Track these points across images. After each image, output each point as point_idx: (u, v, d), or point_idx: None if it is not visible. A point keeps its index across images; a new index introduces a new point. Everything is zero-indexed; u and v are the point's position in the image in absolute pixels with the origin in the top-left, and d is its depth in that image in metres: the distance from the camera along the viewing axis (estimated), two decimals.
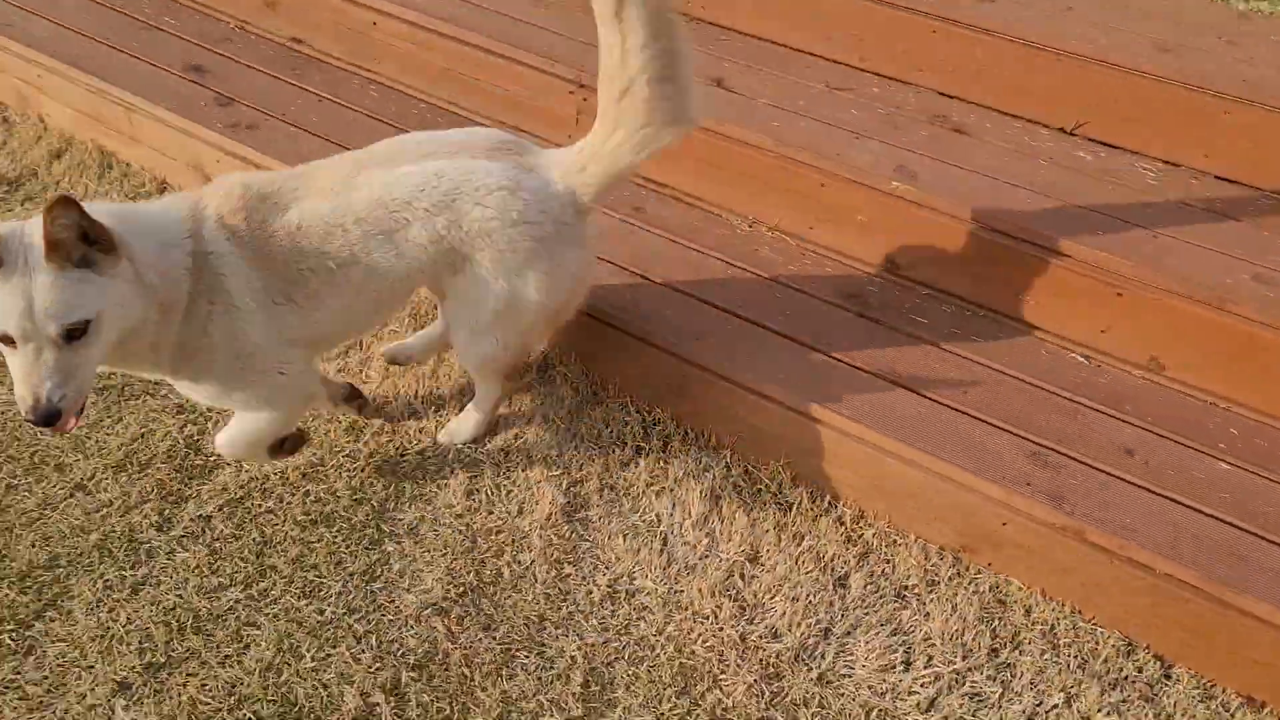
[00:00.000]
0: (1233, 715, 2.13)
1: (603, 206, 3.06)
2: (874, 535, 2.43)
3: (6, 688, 2.04)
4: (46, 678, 2.07)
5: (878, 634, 2.23)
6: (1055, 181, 2.85)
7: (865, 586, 2.32)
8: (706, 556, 2.38)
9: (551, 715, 2.06)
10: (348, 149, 3.17)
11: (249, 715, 2.03)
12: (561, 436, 2.64)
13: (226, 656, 2.13)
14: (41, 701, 2.02)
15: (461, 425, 2.62)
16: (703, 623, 2.25)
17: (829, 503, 2.49)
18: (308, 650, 2.15)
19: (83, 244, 1.77)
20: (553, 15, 3.52)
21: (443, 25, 3.39)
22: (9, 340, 1.76)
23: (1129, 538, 2.15)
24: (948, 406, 2.44)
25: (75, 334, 1.79)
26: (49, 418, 1.77)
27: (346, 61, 3.68)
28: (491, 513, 2.47)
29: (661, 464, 2.58)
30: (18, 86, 3.65)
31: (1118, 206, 2.77)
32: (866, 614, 2.27)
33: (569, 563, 2.36)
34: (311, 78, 3.59)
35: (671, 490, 2.52)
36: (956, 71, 3.21)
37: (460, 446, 2.61)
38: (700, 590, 2.31)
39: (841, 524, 2.45)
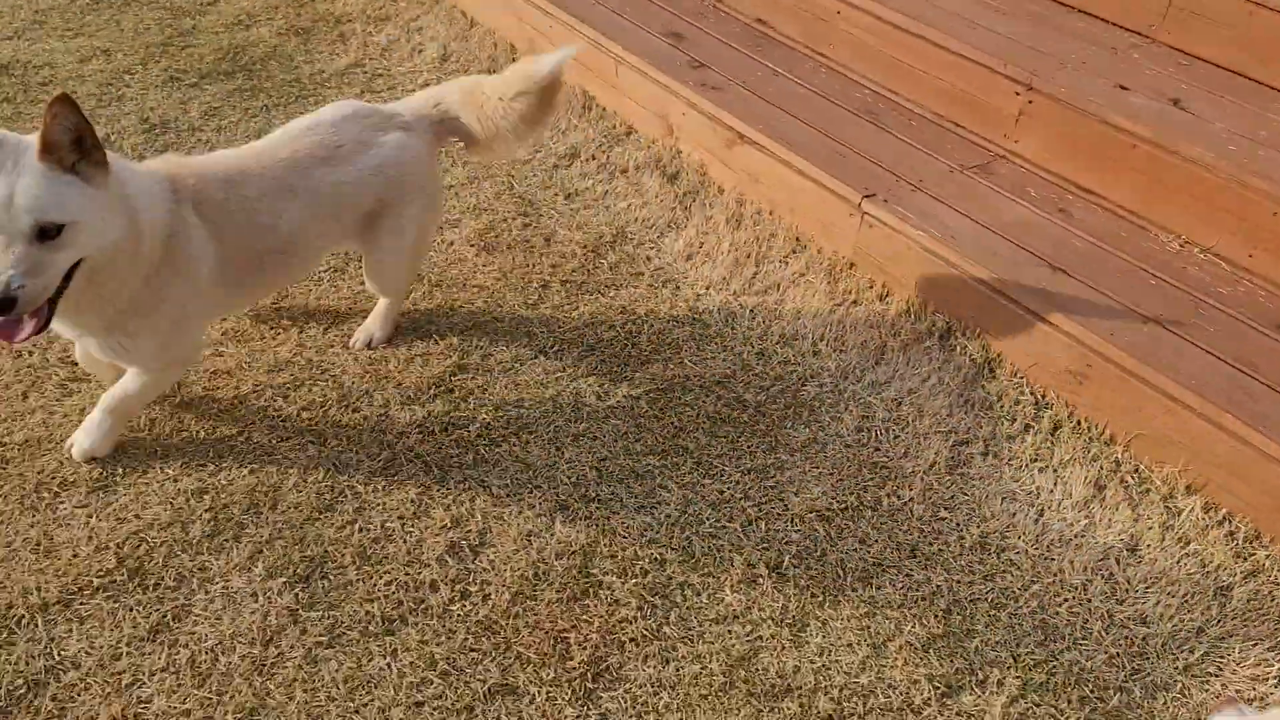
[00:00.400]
0: None
1: (963, 195, 3.19)
2: (1267, 557, 2.39)
3: (481, 485, 2.56)
4: (506, 486, 2.57)
5: (1255, 647, 2.21)
6: None
7: (1248, 601, 2.30)
8: (1082, 535, 2.46)
9: (914, 625, 2.26)
10: (796, 118, 3.54)
11: (656, 555, 2.40)
12: (953, 400, 2.81)
13: (641, 505, 2.53)
14: (502, 501, 2.52)
15: (375, 327, 2.93)
16: (1070, 591, 2.34)
17: (1224, 516, 2.47)
18: (706, 519, 2.50)
19: (76, 150, 1.90)
20: (1008, 21, 3.67)
21: (902, 19, 3.65)
22: None
23: None
24: None
25: (48, 234, 1.87)
26: (3, 305, 1.84)
27: (802, 44, 4.05)
28: (878, 449, 2.69)
29: (1048, 444, 2.68)
30: (530, 34, 4.37)
31: None
32: (1245, 626, 2.25)
33: (945, 508, 2.54)
34: (770, 54, 4.00)
35: (1055, 470, 2.62)
36: None
37: (375, 349, 2.93)
38: (1072, 563, 2.40)
39: (1233, 539, 2.43)
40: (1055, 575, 2.38)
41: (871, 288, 3.17)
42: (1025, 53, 3.46)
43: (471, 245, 3.36)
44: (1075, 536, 2.46)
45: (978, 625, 2.27)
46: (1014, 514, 2.52)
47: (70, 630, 2.15)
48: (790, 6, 4.07)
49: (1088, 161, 3.22)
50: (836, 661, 2.19)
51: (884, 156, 3.38)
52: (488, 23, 4.60)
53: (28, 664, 2.09)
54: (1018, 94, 3.35)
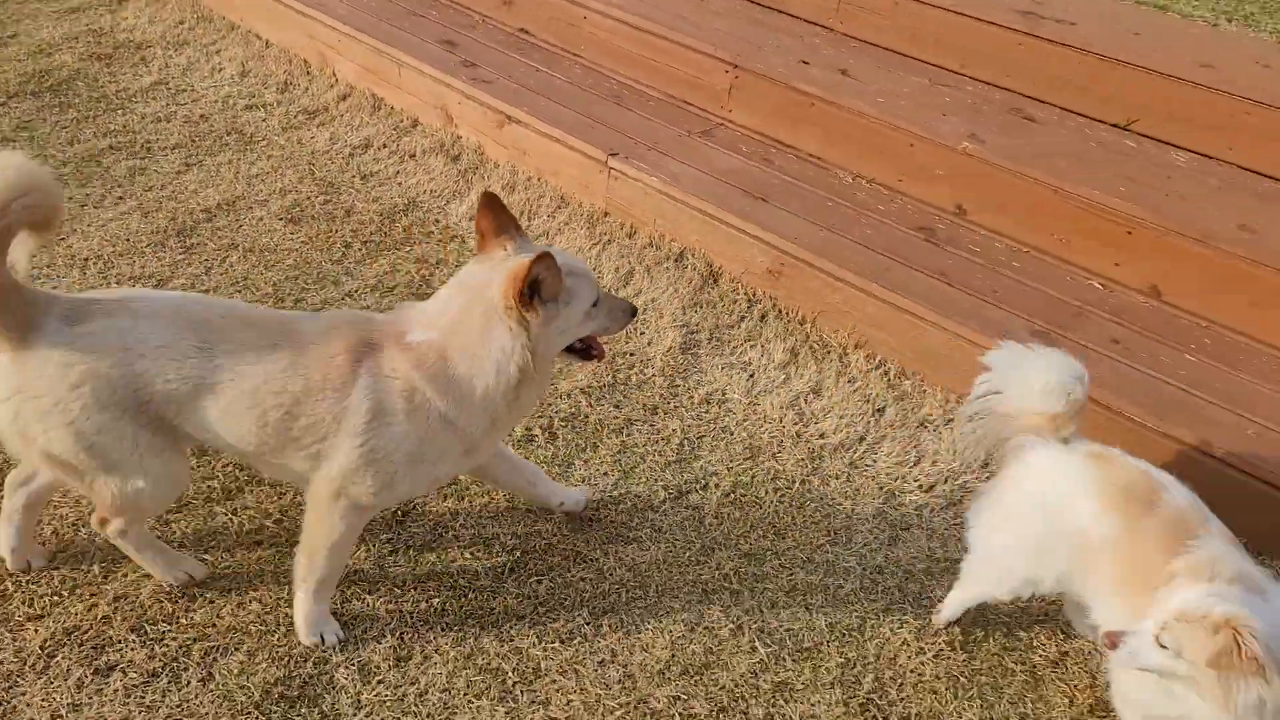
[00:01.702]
0: None
1: (690, 153, 3.98)
2: (910, 385, 3.21)
3: None
4: None
5: (899, 444, 3.00)
6: (1107, 160, 3.59)
7: (896, 415, 3.10)
8: (780, 386, 3.21)
9: (655, 457, 2.93)
10: (555, 102, 4.21)
11: None
12: (686, 302, 3.53)
13: None
14: None
15: None
16: (770, 423, 3.08)
17: (880, 361, 3.28)
18: None
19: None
20: (723, 19, 4.51)
21: (636, 19, 4.43)
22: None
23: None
24: (980, 298, 3.21)
25: None
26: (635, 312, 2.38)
27: (559, 46, 4.77)
28: (629, 342, 3.38)
29: (758, 328, 3.44)
30: (320, 49, 4.90)
31: (1143, 181, 3.48)
32: (893, 431, 3.05)
33: (679, 377, 3.24)
34: (532, 55, 4.70)
35: (763, 346, 3.37)
36: (1034, 76, 3.99)
37: None
38: (772, 404, 3.14)
39: (886, 376, 3.24)
40: (760, 414, 3.11)
41: (622, 228, 3.87)
42: (735, 41, 4.29)
43: (279, 219, 3.86)
44: (775, 388, 3.21)
45: (702, 451, 2.97)
46: (731, 377, 3.24)
47: None
48: (546, 17, 4.79)
49: (781, 121, 4.06)
50: (594, 484, 2.83)
51: (627, 128, 4.12)
52: (282, 42, 5.09)
53: None
54: (726, 72, 4.16)
